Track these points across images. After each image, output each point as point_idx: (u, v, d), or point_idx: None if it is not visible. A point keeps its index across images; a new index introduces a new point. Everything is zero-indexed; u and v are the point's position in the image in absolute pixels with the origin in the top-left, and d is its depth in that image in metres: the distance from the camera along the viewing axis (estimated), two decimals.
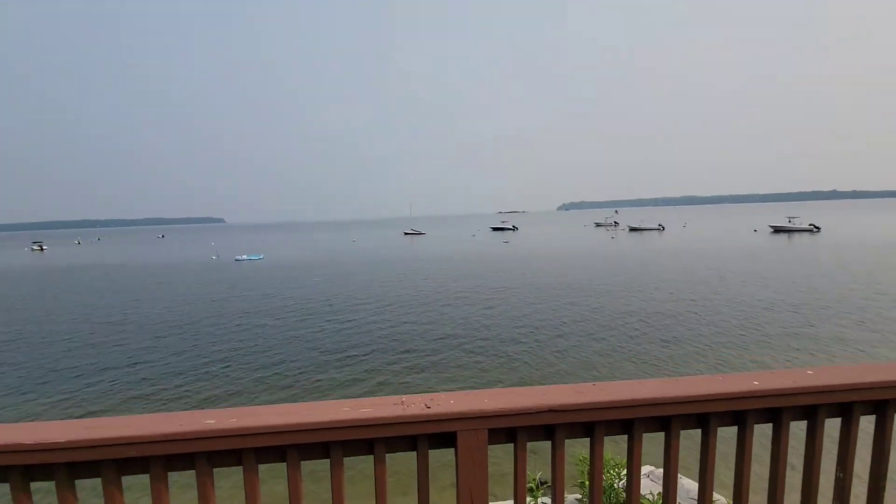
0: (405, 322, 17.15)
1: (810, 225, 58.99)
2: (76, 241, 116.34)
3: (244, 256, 48.25)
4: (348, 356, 13.30)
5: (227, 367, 12.75)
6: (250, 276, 33.06)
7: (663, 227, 75.74)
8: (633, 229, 75.47)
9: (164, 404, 10.43)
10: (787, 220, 64.22)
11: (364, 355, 13.33)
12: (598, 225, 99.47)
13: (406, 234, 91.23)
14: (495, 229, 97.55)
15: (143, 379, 12.03)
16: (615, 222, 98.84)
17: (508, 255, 40.92)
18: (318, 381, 11.50)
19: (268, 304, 21.50)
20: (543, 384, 9.35)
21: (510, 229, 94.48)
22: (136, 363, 13.37)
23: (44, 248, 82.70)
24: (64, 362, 13.74)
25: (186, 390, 11.16)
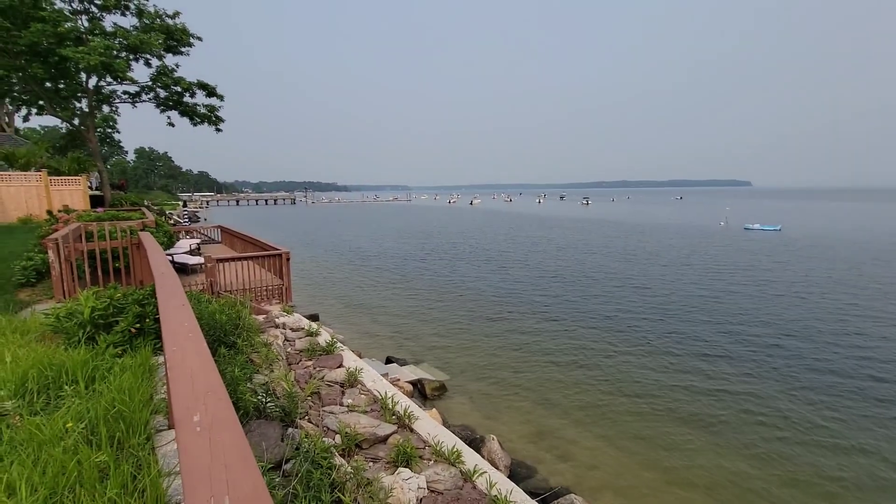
0: None
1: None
2: (611, 199, 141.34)
3: (756, 225, 40.84)
4: None
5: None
6: (754, 248, 27.19)
7: None
8: None
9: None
10: None
11: None
12: None
13: None
14: None
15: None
16: None
17: None
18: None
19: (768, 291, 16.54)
20: None
21: None
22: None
23: (589, 202, 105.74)
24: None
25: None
